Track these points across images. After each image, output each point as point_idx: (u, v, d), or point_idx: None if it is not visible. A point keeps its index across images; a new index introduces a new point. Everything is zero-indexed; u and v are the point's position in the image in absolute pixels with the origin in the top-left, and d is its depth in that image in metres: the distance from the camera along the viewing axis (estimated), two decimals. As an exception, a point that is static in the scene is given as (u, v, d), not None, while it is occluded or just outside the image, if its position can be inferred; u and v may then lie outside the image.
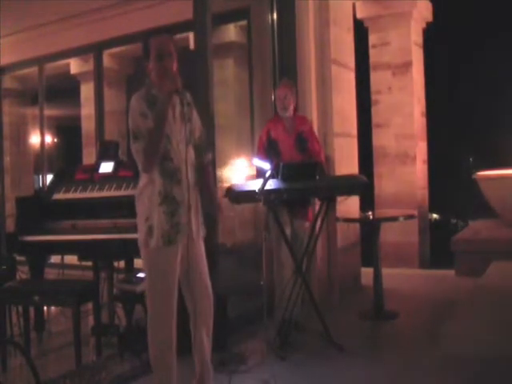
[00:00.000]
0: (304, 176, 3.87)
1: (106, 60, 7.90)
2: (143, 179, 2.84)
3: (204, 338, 2.95)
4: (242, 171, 5.52)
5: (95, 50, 7.76)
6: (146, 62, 2.87)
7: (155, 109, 2.73)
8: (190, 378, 3.01)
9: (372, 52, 7.45)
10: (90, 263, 4.26)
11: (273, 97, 5.12)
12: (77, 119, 8.75)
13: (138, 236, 2.84)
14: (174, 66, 2.84)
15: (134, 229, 2.96)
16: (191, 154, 2.91)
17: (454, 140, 9.53)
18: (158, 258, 2.79)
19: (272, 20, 5.17)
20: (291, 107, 4.34)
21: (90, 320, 4.22)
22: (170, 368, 2.82)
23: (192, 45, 5.43)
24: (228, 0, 5.59)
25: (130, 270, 4.13)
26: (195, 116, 3.00)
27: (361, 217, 5.44)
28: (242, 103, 6.01)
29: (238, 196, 3.92)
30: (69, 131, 11.53)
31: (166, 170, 2.79)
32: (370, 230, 4.89)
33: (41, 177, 9.01)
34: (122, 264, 4.25)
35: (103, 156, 4.37)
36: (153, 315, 2.82)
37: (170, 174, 2.80)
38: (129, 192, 3.79)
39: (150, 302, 2.83)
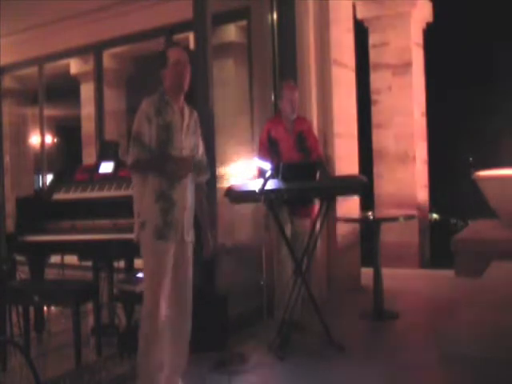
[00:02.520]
0: (304, 176, 3.87)
1: (106, 60, 7.89)
2: (136, 177, 2.93)
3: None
4: (242, 171, 5.51)
5: (95, 50, 7.75)
6: (161, 69, 2.95)
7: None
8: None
9: (372, 52, 7.45)
10: (89, 263, 4.26)
11: (273, 97, 5.13)
12: (77, 119, 8.74)
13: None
14: (188, 77, 2.94)
15: (133, 229, 2.97)
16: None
17: (453, 140, 9.53)
18: (152, 251, 2.87)
19: (272, 20, 5.17)
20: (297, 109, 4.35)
21: (90, 320, 4.22)
22: (154, 363, 2.88)
23: (192, 45, 5.43)
24: (228, 0, 5.59)
25: (130, 269, 4.12)
26: (199, 134, 3.08)
27: (361, 217, 5.44)
28: (241, 103, 6.00)
29: (237, 196, 3.92)
30: (69, 131, 11.52)
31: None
32: (370, 230, 4.90)
33: (41, 177, 9.00)
34: (121, 264, 4.24)
35: (103, 156, 4.38)
36: (144, 308, 2.89)
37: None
38: (129, 192, 3.76)
39: (145, 294, 2.90)
